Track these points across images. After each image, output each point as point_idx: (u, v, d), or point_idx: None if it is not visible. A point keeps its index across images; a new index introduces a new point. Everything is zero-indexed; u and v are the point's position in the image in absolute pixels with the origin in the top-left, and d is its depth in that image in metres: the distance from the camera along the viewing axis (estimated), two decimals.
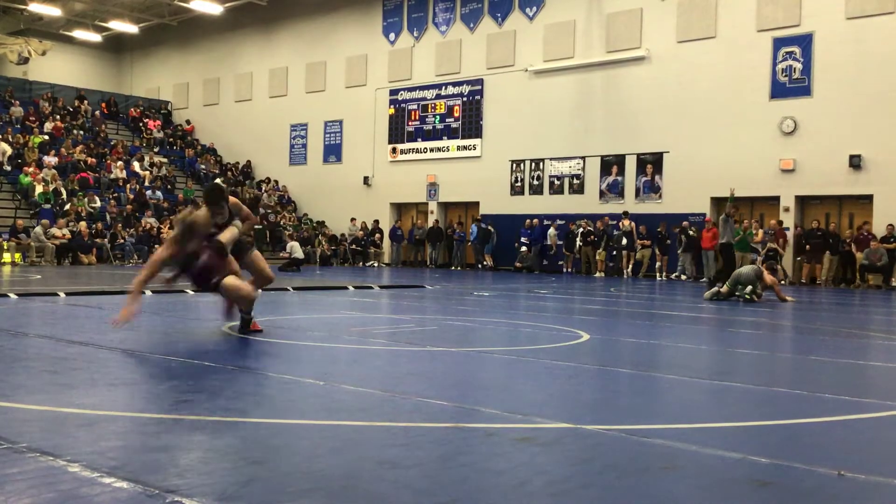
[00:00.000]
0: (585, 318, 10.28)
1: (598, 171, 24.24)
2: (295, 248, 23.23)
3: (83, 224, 23.55)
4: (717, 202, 22.53)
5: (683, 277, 21.74)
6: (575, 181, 24.70)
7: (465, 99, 27.03)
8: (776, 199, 21.38)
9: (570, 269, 24.25)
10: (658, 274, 22.28)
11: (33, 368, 5.64)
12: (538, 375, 5.65)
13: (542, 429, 3.92)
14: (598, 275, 23.18)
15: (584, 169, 24.50)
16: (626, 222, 22.77)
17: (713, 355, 7.20)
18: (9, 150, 27.12)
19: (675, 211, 22.37)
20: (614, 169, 23.91)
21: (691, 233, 21.64)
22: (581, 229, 23.67)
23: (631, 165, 23.64)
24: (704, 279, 20.40)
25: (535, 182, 25.49)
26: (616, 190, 23.90)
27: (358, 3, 29.50)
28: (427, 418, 4.08)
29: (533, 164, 25.53)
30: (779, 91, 21.16)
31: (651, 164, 23.23)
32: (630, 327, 9.25)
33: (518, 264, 24.74)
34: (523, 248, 24.68)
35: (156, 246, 24.65)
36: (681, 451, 3.51)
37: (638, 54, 23.33)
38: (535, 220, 24.76)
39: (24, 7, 31.13)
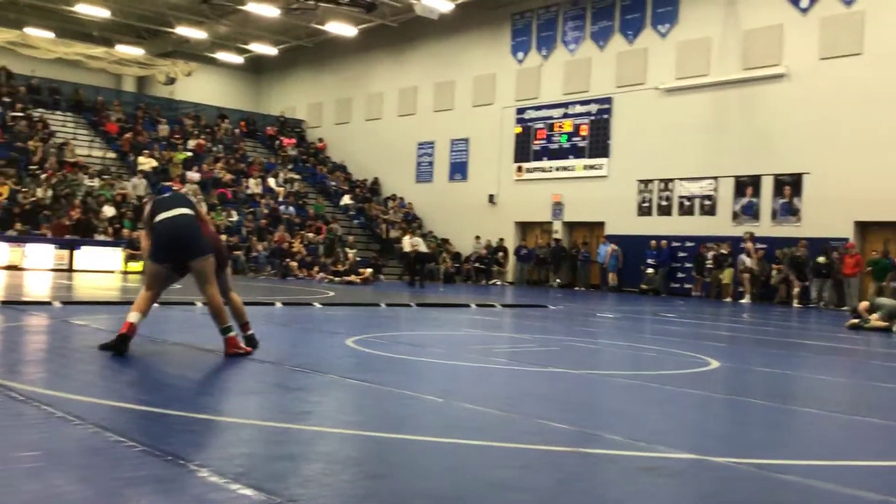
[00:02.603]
0: (714, 344, 9.89)
1: (731, 191, 23.40)
2: (419, 243, 23.55)
3: (223, 237, 24.64)
4: (862, 226, 21.32)
5: (822, 305, 20.64)
6: (706, 202, 23.93)
7: (592, 118, 26.73)
8: None
9: (699, 293, 23.48)
10: (795, 301, 21.20)
11: (171, 374, 5.92)
12: (663, 402, 5.47)
13: (666, 458, 3.78)
14: (727, 299, 22.35)
15: (716, 189, 23.71)
16: (750, 245, 21.83)
17: (853, 388, 6.77)
18: (155, 165, 28.78)
19: (815, 235, 21.27)
20: (749, 190, 23.03)
21: (823, 259, 20.54)
22: (712, 252, 22.92)
23: (767, 186, 22.70)
24: (846, 308, 19.32)
25: (664, 203, 24.87)
26: (750, 212, 22.99)
27: (487, 23, 29.76)
28: (546, 441, 4.01)
29: (662, 184, 24.93)
30: None
31: (789, 185, 22.23)
32: (762, 356, 8.83)
33: (644, 286, 24.18)
34: (649, 270, 24.11)
35: (287, 259, 25.54)
36: (816, 490, 3.30)
37: (777, 72, 22.42)
38: (664, 242, 24.13)
39: (172, 31, 33.08)
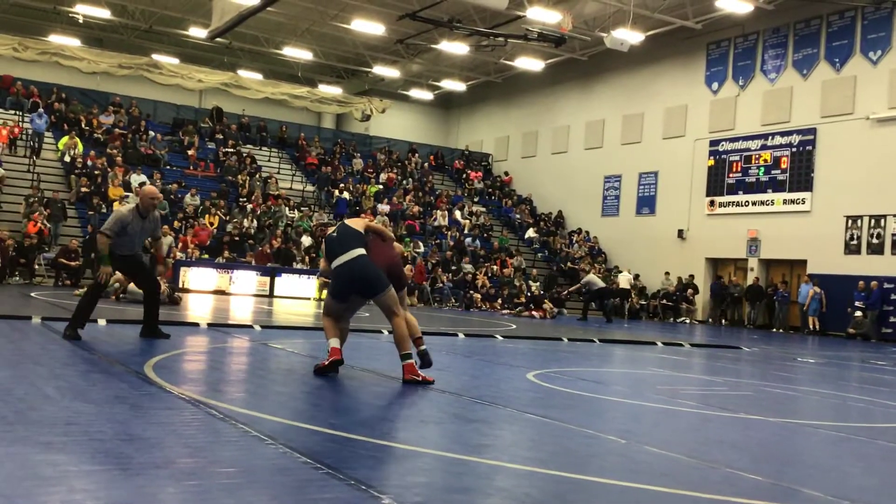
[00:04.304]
0: None
1: None
2: (593, 281, 23.30)
3: (408, 267, 25.35)
4: None
5: None
6: None
7: (794, 149, 25.28)
8: None
9: None
10: None
11: (356, 399, 6.10)
12: (870, 457, 4.99)
13: None
14: None
15: None
16: None
17: None
18: (348, 198, 30.16)
19: None
20: None
21: None
22: None
23: None
24: None
25: (875, 240, 23.01)
26: None
27: (679, 53, 29.01)
28: (737, 493, 3.75)
29: (872, 221, 23.09)
30: None
31: None
32: None
33: (851, 330, 22.40)
34: (858, 313, 22.31)
35: (471, 291, 25.86)
36: None
37: None
38: (874, 283, 22.28)
39: (369, 70, 34.84)
